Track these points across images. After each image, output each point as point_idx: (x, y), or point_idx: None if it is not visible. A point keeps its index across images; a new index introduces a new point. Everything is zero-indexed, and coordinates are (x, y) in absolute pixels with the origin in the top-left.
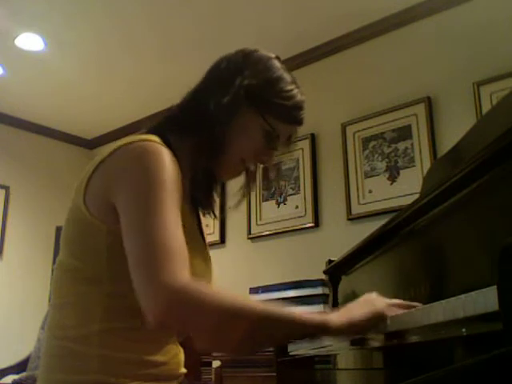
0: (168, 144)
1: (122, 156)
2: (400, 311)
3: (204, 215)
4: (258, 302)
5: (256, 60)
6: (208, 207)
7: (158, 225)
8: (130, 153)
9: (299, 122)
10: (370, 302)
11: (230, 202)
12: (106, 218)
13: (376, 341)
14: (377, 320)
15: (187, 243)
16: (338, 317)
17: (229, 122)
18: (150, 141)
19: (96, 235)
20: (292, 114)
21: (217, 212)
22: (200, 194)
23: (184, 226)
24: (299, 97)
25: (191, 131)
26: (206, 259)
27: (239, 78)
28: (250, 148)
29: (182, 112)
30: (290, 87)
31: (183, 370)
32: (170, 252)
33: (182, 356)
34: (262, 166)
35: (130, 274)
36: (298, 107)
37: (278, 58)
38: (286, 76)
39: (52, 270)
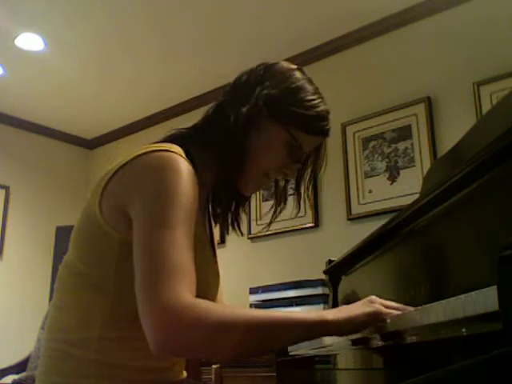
0: (189, 155)
1: (142, 164)
2: (398, 312)
3: (228, 232)
4: (256, 311)
5: (277, 71)
6: (233, 224)
7: (168, 243)
8: (149, 162)
9: (323, 132)
10: (367, 303)
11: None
12: (118, 226)
13: (376, 341)
14: (374, 319)
15: (195, 255)
16: (335, 313)
17: (250, 134)
18: (171, 151)
19: (107, 242)
20: (314, 124)
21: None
22: (219, 208)
23: (195, 236)
24: (322, 107)
25: (213, 144)
26: (214, 273)
27: (258, 89)
28: (272, 160)
29: (205, 124)
30: (311, 97)
31: (184, 376)
32: (175, 270)
33: (182, 362)
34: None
35: (132, 284)
36: (321, 117)
37: (300, 69)
38: (308, 86)
39: (52, 270)
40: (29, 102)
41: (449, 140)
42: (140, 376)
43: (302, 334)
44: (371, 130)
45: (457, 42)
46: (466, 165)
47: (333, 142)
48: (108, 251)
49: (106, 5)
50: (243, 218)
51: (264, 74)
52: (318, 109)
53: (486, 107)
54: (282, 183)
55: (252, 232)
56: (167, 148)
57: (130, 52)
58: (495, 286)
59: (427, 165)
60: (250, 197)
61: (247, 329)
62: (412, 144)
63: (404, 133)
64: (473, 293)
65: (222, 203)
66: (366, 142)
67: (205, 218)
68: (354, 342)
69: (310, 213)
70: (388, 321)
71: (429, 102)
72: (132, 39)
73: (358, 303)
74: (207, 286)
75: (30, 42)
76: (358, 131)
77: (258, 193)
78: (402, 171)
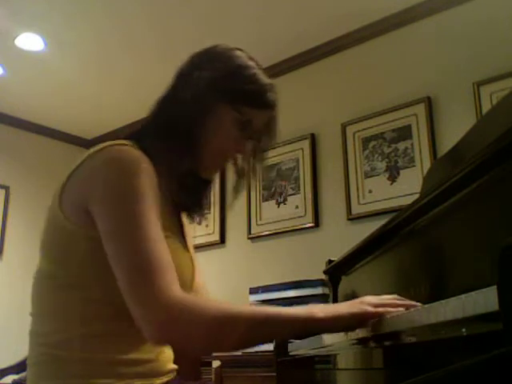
0: (144, 149)
1: (96, 162)
2: (392, 310)
3: (193, 219)
4: (247, 306)
5: (215, 53)
6: (197, 209)
7: (142, 237)
8: (103, 158)
9: (270, 105)
10: (356, 304)
11: (236, 217)
12: (82, 223)
13: (376, 341)
14: (358, 321)
15: (174, 243)
16: (322, 308)
17: (199, 117)
18: (124, 145)
19: (73, 241)
20: (259, 97)
21: (216, 213)
22: (187, 197)
23: (164, 228)
24: (264, 80)
25: (165, 134)
26: (186, 259)
27: (197, 73)
28: (225, 140)
29: (154, 116)
30: (252, 71)
31: (173, 366)
32: (158, 265)
33: (169, 352)
34: (249, 161)
35: (110, 277)
36: (264, 89)
37: (239, 48)
38: (249, 62)
39: None
40: (29, 102)
41: (449, 140)
42: (127, 369)
43: (294, 331)
44: (371, 130)
45: (457, 42)
46: (466, 165)
47: (333, 142)
48: (76, 249)
49: (105, 5)
50: (243, 218)
51: (201, 58)
52: (261, 82)
53: (486, 107)
54: (239, 162)
55: (252, 232)
56: (119, 143)
57: (130, 52)
58: (495, 286)
59: (427, 165)
60: (213, 180)
61: (239, 324)
62: (412, 144)
63: (404, 133)
64: (473, 293)
65: (185, 190)
66: (365, 141)
67: (170, 207)
68: (353, 342)
69: (310, 213)
70: (369, 326)
71: (429, 102)
72: (132, 39)
73: (348, 303)
74: (180, 272)
75: (30, 41)
76: (358, 131)
77: (258, 193)
78: (402, 171)
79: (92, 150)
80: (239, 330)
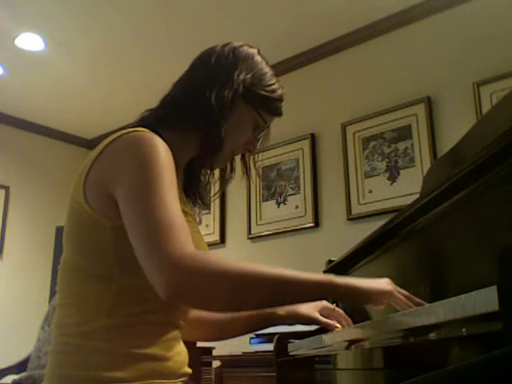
0: (160, 136)
1: (117, 147)
2: (404, 300)
3: (194, 205)
4: (264, 266)
5: (245, 55)
6: (200, 197)
7: (159, 204)
8: (124, 143)
9: (281, 113)
10: (382, 282)
11: (229, 202)
12: (108, 213)
13: (376, 341)
14: (382, 295)
15: (196, 231)
16: (345, 279)
17: (224, 112)
18: (143, 131)
19: (100, 231)
20: (276, 105)
21: (216, 213)
22: (197, 186)
23: (185, 211)
24: (281, 89)
25: (189, 126)
26: (203, 242)
27: (236, 73)
28: (241, 138)
29: (177, 104)
30: (273, 80)
31: (187, 370)
32: (172, 227)
33: (186, 355)
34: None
35: (135, 268)
36: (281, 99)
37: (259, 52)
38: (269, 70)
39: (52, 270)
40: (29, 102)
41: (449, 140)
42: (144, 365)
43: (311, 295)
44: (371, 130)
45: (457, 42)
46: (466, 165)
47: (333, 142)
48: (103, 239)
49: (106, 5)
50: (243, 218)
51: (233, 57)
52: (280, 91)
53: (486, 107)
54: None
55: (252, 232)
56: (138, 129)
57: (131, 52)
58: (495, 286)
59: (427, 165)
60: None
61: (256, 282)
62: (412, 144)
63: (404, 133)
64: (473, 293)
65: (194, 180)
66: (366, 141)
67: (182, 194)
68: (352, 343)
69: (310, 213)
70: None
71: (429, 102)
72: (132, 39)
73: (374, 280)
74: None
75: (29, 41)
76: (358, 131)
77: (258, 193)
78: (402, 171)
79: (110, 137)
80: (262, 290)
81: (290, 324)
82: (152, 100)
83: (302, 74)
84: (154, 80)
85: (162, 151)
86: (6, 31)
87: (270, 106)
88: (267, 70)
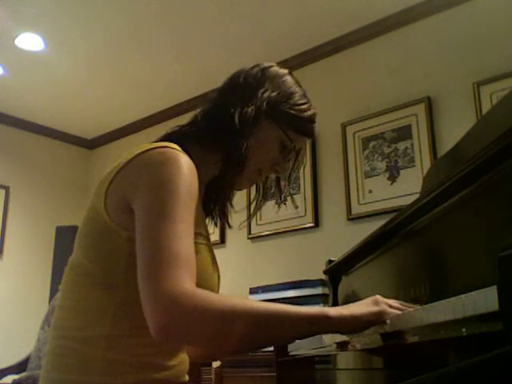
0: (187, 152)
1: (144, 161)
2: (398, 312)
3: (216, 225)
4: (257, 302)
5: (273, 74)
6: (222, 217)
7: (169, 231)
8: (150, 159)
9: (311, 134)
10: (373, 303)
11: (238, 214)
12: (126, 224)
13: (376, 341)
14: (379, 319)
15: (209, 251)
16: (338, 310)
17: (252, 134)
18: (170, 147)
19: (115, 241)
20: (306, 126)
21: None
22: (218, 204)
23: (201, 233)
24: (312, 110)
25: (215, 144)
26: (217, 273)
27: (261, 90)
28: (267, 158)
29: (205, 122)
30: (303, 101)
31: (185, 379)
32: (176, 258)
33: (187, 364)
34: (275, 175)
35: None
36: (312, 120)
37: (290, 73)
38: (300, 90)
39: (52, 270)
40: (29, 102)
41: (449, 140)
42: (144, 374)
43: (304, 329)
44: (371, 130)
45: (457, 42)
46: (466, 165)
47: (333, 142)
48: (117, 249)
49: (106, 5)
50: (243, 218)
51: (261, 76)
52: (310, 112)
53: (486, 107)
54: (264, 180)
55: (252, 232)
56: (166, 145)
57: (131, 51)
58: (495, 286)
59: (427, 165)
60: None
61: (247, 321)
62: (412, 144)
63: (404, 133)
64: (473, 293)
65: (215, 198)
66: (366, 141)
67: (201, 212)
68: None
69: (310, 213)
70: (388, 322)
71: (429, 102)
72: (132, 39)
73: (363, 302)
74: (214, 280)
75: (29, 41)
76: (358, 131)
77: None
78: (402, 171)
79: (139, 149)
80: (247, 325)
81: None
82: (151, 100)
83: (302, 74)
84: (154, 80)
85: (186, 173)
86: (5, 31)
87: (298, 126)
88: (297, 89)
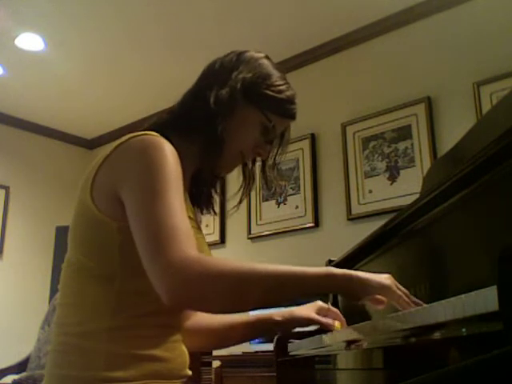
0: (168, 140)
1: (126, 150)
2: (403, 297)
3: (202, 212)
4: (261, 263)
5: (248, 58)
6: (208, 204)
7: (164, 209)
8: (133, 146)
9: (292, 115)
10: (383, 276)
11: (231, 203)
12: (115, 215)
13: (376, 341)
14: (382, 290)
15: (201, 238)
16: (345, 271)
17: (229, 116)
18: (150, 134)
19: (106, 233)
20: (284, 107)
21: (217, 209)
22: (203, 191)
23: (190, 217)
24: (290, 91)
25: (192, 129)
26: (210, 253)
27: (235, 73)
28: (248, 141)
29: (183, 109)
30: (281, 82)
31: (188, 372)
32: (176, 232)
33: (187, 357)
34: (259, 161)
35: (140, 270)
36: (290, 101)
37: (267, 56)
38: (277, 72)
39: (52, 270)
40: (29, 102)
41: (449, 140)
42: (145, 366)
43: (311, 287)
44: (371, 130)
45: (457, 42)
46: (466, 165)
47: (333, 142)
48: (109, 241)
49: (106, 5)
50: (243, 218)
51: (236, 60)
52: (288, 93)
53: (486, 107)
54: (250, 165)
55: (252, 232)
56: (145, 133)
57: (131, 51)
58: (495, 286)
59: (427, 165)
60: (222, 177)
61: (256, 281)
62: (412, 144)
63: (404, 133)
64: (473, 293)
65: (200, 185)
66: (366, 141)
67: (188, 200)
68: (352, 343)
69: (310, 213)
70: (385, 302)
71: (429, 102)
72: (133, 39)
73: (376, 274)
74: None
75: (29, 41)
76: (358, 131)
77: (258, 193)
78: (402, 171)
79: (118, 141)
80: (259, 287)
81: (288, 330)
82: (151, 100)
83: (302, 74)
84: (154, 80)
85: (169, 156)
86: (5, 31)
87: (277, 107)
88: (274, 71)
